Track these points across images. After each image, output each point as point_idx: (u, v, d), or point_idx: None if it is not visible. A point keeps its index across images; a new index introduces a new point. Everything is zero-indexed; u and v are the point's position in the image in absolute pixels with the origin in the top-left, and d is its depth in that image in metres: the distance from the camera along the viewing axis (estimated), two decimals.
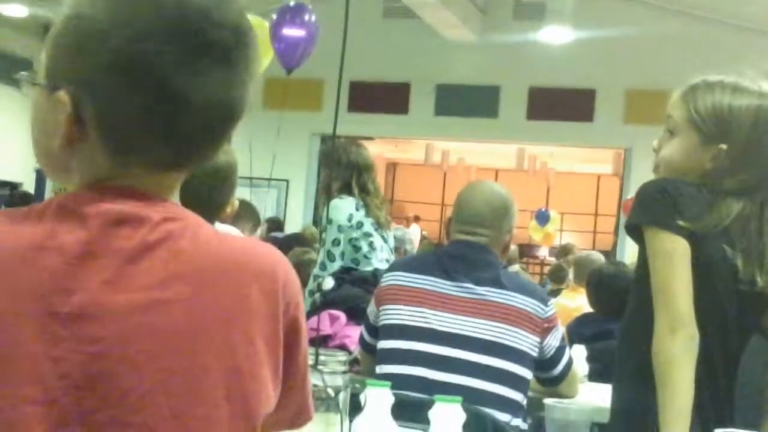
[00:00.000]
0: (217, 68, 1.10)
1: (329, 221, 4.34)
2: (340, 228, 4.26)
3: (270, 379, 1.11)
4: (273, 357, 1.12)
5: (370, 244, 4.30)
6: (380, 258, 4.32)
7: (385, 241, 4.40)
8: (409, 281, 2.80)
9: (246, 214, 4.98)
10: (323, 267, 4.30)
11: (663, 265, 2.14)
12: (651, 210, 2.18)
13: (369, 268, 4.22)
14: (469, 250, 2.82)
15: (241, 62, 1.12)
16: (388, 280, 2.86)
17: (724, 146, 2.20)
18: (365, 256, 4.28)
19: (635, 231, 2.23)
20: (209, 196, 2.15)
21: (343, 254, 4.28)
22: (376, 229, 4.35)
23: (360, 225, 4.31)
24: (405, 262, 3.08)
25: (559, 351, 2.81)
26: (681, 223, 2.12)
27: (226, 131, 1.16)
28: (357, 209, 4.31)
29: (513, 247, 2.72)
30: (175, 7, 1.08)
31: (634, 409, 2.25)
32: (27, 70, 1.24)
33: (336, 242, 4.29)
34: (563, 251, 11.09)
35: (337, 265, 4.28)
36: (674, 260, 2.13)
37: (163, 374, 1.04)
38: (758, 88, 2.23)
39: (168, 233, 1.08)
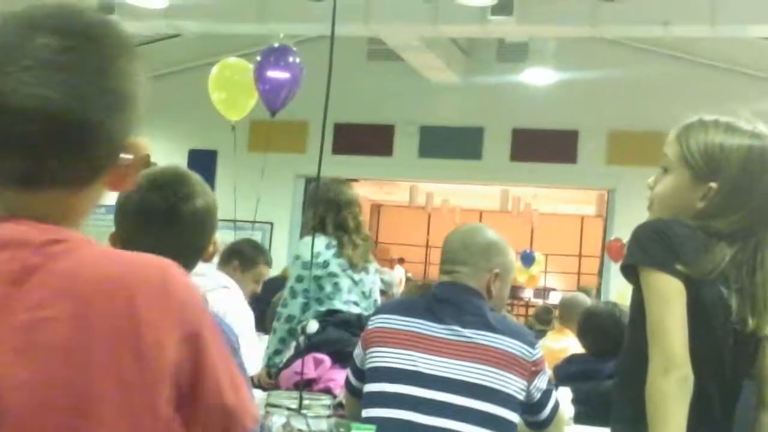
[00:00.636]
0: (39, 73, 1.10)
1: (296, 258, 4.34)
2: (304, 265, 4.24)
3: (163, 390, 1.10)
4: (165, 367, 1.10)
5: (335, 285, 4.26)
6: (345, 299, 4.27)
7: (355, 283, 4.33)
8: (396, 324, 2.78)
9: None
10: (284, 304, 4.29)
11: (659, 306, 2.14)
12: (648, 251, 2.18)
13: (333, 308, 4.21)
14: (454, 292, 2.81)
15: (76, 68, 1.12)
16: (376, 322, 2.85)
17: (714, 185, 2.20)
18: (328, 297, 4.25)
19: (631, 272, 2.22)
20: (190, 241, 2.14)
21: (307, 291, 4.26)
22: (344, 270, 4.30)
23: (326, 264, 4.27)
24: (392, 305, 3.07)
25: (546, 394, 2.79)
26: (679, 267, 2.13)
27: (75, 139, 1.13)
28: (327, 248, 4.28)
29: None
30: None
31: None
32: None
33: (299, 279, 4.28)
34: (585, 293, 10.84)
35: (298, 303, 4.27)
36: (670, 301, 2.13)
37: (51, 391, 1.04)
38: (752, 128, 2.24)
39: (51, 254, 1.10)
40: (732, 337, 2.18)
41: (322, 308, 4.24)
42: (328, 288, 4.25)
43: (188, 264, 2.16)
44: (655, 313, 2.14)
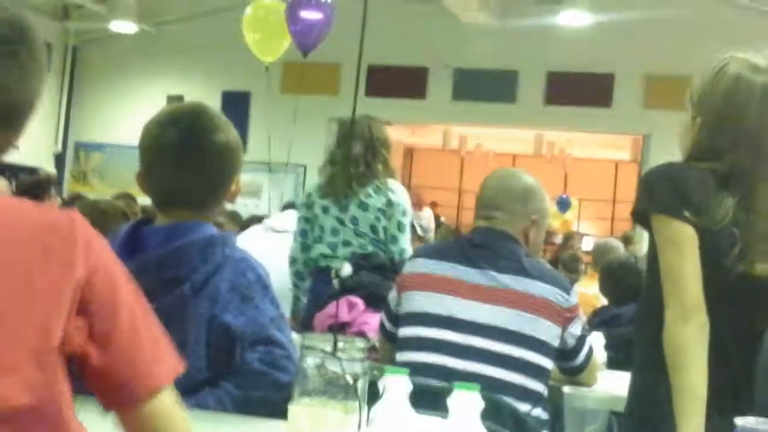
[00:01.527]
0: None
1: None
2: (300, 207, 4.31)
3: (59, 316, 1.18)
4: (66, 296, 1.19)
5: (320, 228, 4.24)
6: (329, 242, 4.22)
7: (342, 223, 4.20)
8: (431, 268, 2.78)
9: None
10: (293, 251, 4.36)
11: (671, 254, 2.13)
12: (657, 197, 2.17)
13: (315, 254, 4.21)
14: (490, 237, 2.80)
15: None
16: (411, 267, 2.85)
17: (700, 119, 2.20)
18: (314, 241, 4.26)
19: (642, 217, 2.21)
20: (209, 176, 2.13)
21: (304, 233, 4.29)
22: (326, 211, 4.22)
23: (310, 205, 4.27)
24: (428, 249, 3.05)
25: (581, 340, 2.79)
26: (688, 214, 2.11)
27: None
28: (317, 189, 4.27)
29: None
30: None
31: (649, 396, 2.25)
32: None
33: (298, 221, 4.34)
34: (567, 241, 10.88)
35: (297, 244, 4.32)
36: (683, 248, 2.12)
37: None
38: (755, 62, 2.19)
39: None
40: (746, 282, 2.16)
41: (310, 254, 4.24)
42: (316, 231, 4.25)
43: (208, 200, 2.15)
44: (668, 261, 2.13)
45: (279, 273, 4.13)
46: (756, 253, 2.14)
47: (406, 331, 2.77)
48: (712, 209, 2.13)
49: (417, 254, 2.99)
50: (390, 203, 4.17)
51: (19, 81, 1.26)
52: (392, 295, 2.89)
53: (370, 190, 4.18)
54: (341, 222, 4.21)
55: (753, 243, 2.14)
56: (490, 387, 2.29)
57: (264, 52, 8.39)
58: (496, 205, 2.84)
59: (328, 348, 1.67)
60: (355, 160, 4.16)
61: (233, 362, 2.04)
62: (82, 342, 1.21)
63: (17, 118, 1.28)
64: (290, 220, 4.79)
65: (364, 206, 4.18)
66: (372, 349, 2.91)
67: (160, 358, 1.29)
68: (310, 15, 7.44)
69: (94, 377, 1.24)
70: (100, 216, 3.70)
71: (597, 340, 3.48)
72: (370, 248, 4.14)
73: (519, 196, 2.86)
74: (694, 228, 2.12)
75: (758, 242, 2.14)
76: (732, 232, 2.15)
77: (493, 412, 2.18)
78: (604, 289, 4.54)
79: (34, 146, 12.14)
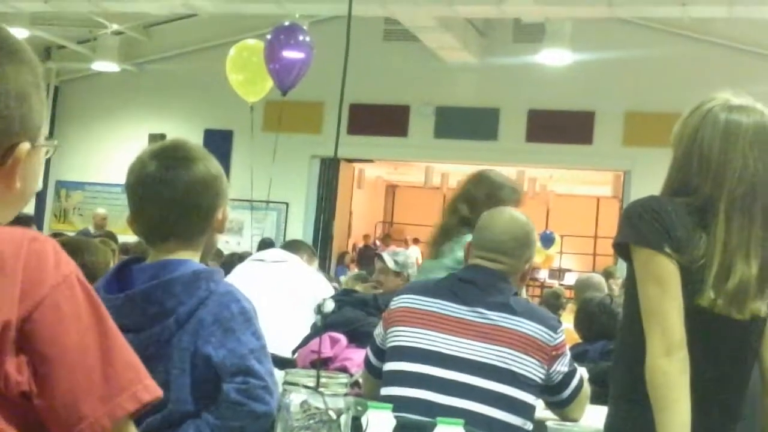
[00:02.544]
0: None
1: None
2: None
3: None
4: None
5: None
6: None
7: None
8: (419, 304, 2.79)
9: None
10: None
11: (654, 288, 2.13)
12: (640, 229, 2.17)
13: None
14: (482, 275, 2.81)
15: None
16: (399, 302, 2.86)
17: (673, 155, 2.23)
18: None
19: (623, 248, 2.22)
20: (194, 205, 2.14)
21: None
22: None
23: None
24: (416, 286, 3.06)
25: (567, 376, 2.79)
26: (668, 250, 2.12)
27: None
28: None
29: None
30: None
31: (628, 429, 2.24)
32: None
33: None
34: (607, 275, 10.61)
35: None
36: (666, 284, 2.12)
37: None
38: (732, 102, 2.22)
39: None
40: (717, 321, 2.15)
41: None
42: None
43: (195, 231, 2.16)
44: (651, 296, 2.13)
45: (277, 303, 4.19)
46: (714, 291, 2.14)
47: (390, 366, 2.77)
48: (692, 247, 2.14)
49: (405, 290, 3.00)
50: None
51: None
52: (378, 330, 2.90)
53: None
54: None
55: (707, 280, 2.14)
56: (472, 422, 2.30)
57: (248, 93, 8.44)
58: (504, 250, 2.84)
59: (311, 383, 1.67)
60: None
61: (219, 394, 2.05)
62: (26, 380, 1.17)
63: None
64: (280, 252, 4.90)
65: None
66: (355, 384, 2.91)
67: (113, 393, 1.22)
68: (289, 54, 7.48)
69: (39, 412, 1.20)
70: (71, 251, 3.69)
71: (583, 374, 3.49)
72: None
73: (524, 241, 2.89)
74: (676, 264, 2.13)
75: (714, 279, 2.13)
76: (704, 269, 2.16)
77: None
78: (578, 325, 4.62)
79: None
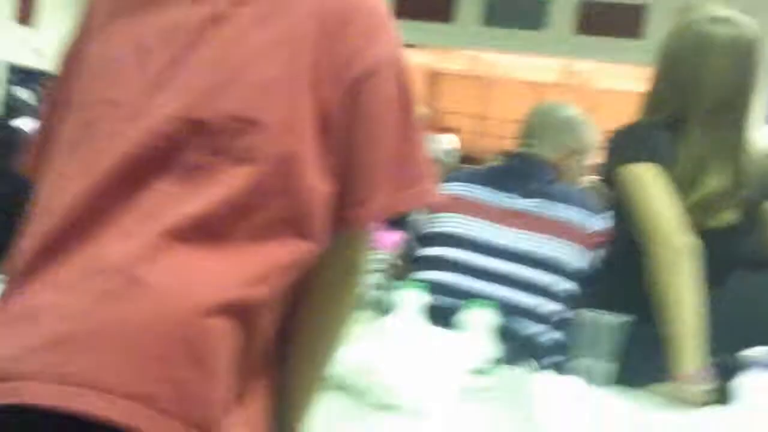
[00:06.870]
0: None
1: None
2: None
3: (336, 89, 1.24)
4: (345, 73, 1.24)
5: None
6: None
7: None
8: (457, 191, 2.80)
9: None
10: None
11: (640, 191, 2.15)
12: (623, 154, 2.19)
13: None
14: (520, 162, 2.82)
15: None
16: (444, 189, 2.86)
17: (653, 70, 2.26)
18: None
19: (610, 179, 2.23)
20: None
21: None
22: None
23: None
24: (460, 174, 3.06)
25: None
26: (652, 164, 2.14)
27: None
28: None
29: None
30: None
31: (643, 338, 2.24)
32: None
33: None
34: None
35: None
36: (652, 184, 2.12)
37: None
38: (716, 14, 2.20)
39: None
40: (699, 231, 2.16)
41: None
42: None
43: None
44: (640, 198, 2.14)
45: None
46: (684, 203, 2.14)
47: (425, 251, 2.78)
48: (671, 162, 2.14)
49: (450, 178, 2.99)
50: None
51: None
52: (422, 216, 2.90)
53: None
54: None
55: (678, 193, 2.14)
56: (502, 308, 2.30)
57: None
58: (533, 134, 2.88)
59: None
60: None
61: None
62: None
63: None
64: None
65: None
66: (387, 265, 2.92)
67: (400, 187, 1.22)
68: None
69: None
70: None
71: None
72: None
73: (558, 125, 2.89)
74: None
75: (682, 192, 2.13)
76: None
77: (504, 333, 2.20)
78: None
79: None
